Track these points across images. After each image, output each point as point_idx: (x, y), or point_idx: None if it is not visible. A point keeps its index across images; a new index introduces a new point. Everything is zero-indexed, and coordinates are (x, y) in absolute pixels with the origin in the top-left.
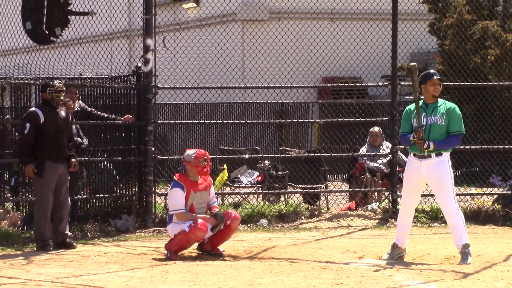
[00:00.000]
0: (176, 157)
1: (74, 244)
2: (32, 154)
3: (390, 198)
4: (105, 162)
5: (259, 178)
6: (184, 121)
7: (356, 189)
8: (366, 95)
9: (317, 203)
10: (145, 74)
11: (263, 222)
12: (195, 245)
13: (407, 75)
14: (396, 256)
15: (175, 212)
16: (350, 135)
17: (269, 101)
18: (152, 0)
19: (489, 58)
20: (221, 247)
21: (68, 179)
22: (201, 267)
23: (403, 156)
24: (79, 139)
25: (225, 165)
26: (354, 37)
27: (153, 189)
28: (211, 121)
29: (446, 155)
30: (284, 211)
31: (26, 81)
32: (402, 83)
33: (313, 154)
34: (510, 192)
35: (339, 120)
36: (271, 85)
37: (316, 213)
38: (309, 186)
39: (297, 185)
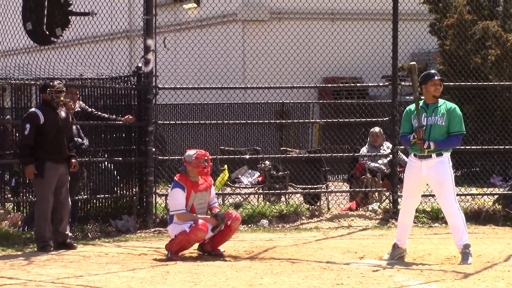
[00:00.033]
0: (176, 157)
1: (75, 244)
2: (33, 155)
3: (391, 198)
4: (106, 163)
5: (260, 179)
6: (184, 122)
7: (357, 189)
8: (367, 95)
9: (318, 204)
10: (146, 74)
11: (264, 222)
12: (196, 245)
13: (407, 75)
14: (397, 257)
15: (175, 212)
16: (351, 136)
17: (269, 101)
18: (152, 0)
19: (489, 58)
20: (221, 248)
21: (68, 180)
22: (202, 267)
23: (404, 157)
24: (79, 139)
25: (225, 166)
26: (355, 37)
27: (154, 189)
28: (212, 122)
29: (447, 155)
30: (284, 211)
31: (26, 82)
32: (403, 83)
33: (313, 155)
34: (510, 192)
35: (340, 120)
36: (272, 86)
37: (316, 213)
38: (309, 186)
39: (298, 186)
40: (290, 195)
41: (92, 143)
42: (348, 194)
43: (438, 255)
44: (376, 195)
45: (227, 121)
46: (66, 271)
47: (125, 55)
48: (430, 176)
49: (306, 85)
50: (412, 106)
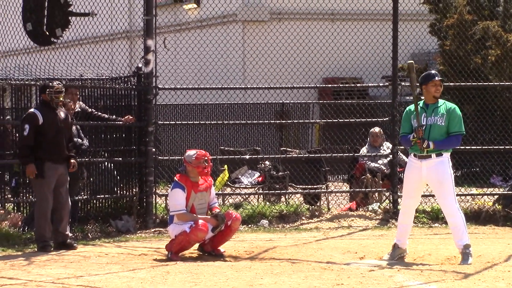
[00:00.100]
0: (176, 157)
1: (75, 244)
2: (32, 155)
3: (391, 198)
4: (106, 163)
5: (260, 179)
6: (184, 122)
7: (357, 189)
8: (367, 95)
9: (318, 204)
10: (146, 75)
11: (264, 222)
12: (196, 245)
13: (407, 75)
14: (397, 257)
15: (176, 212)
16: (351, 136)
17: (269, 101)
18: (152, 1)
19: (489, 59)
20: (222, 248)
21: (67, 180)
22: (202, 267)
23: (404, 157)
24: (79, 140)
25: (225, 166)
26: (355, 37)
27: (154, 189)
28: (212, 122)
29: (447, 155)
30: (284, 211)
31: (26, 82)
32: (403, 83)
33: (313, 155)
34: (510, 192)
35: (340, 120)
36: (272, 86)
37: (316, 213)
38: (309, 186)
39: (298, 186)
40: (290, 195)
41: (92, 143)
42: (348, 194)
43: (438, 255)
44: (376, 195)
45: (227, 122)
46: (66, 271)
47: (125, 55)
48: (430, 176)
49: (306, 86)
50: (412, 106)
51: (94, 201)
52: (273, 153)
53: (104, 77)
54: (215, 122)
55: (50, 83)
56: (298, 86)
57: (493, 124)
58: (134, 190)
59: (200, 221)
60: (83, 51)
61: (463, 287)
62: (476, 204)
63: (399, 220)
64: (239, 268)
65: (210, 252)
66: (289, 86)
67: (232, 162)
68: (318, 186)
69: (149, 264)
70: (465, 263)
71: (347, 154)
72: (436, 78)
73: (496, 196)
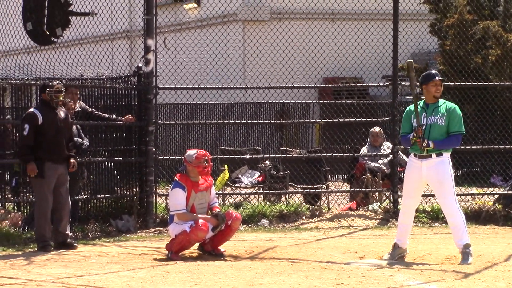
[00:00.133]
0: (176, 157)
1: (75, 244)
2: (32, 154)
3: (391, 198)
4: (106, 163)
5: (260, 179)
6: (185, 122)
7: (357, 189)
8: (367, 95)
9: (318, 203)
10: (146, 74)
11: (264, 222)
12: (196, 245)
13: (407, 74)
14: (397, 256)
15: (176, 212)
16: (351, 135)
17: (270, 101)
18: (153, 0)
19: (490, 58)
20: (222, 247)
21: (67, 180)
22: (202, 267)
23: (404, 156)
24: (79, 139)
25: (226, 166)
26: (355, 37)
27: (154, 189)
28: (212, 122)
29: (447, 155)
30: (285, 211)
31: (27, 82)
32: (403, 83)
33: (314, 154)
34: (511, 192)
35: (340, 120)
36: (272, 86)
37: (317, 213)
38: (310, 186)
39: (298, 185)
40: (290, 195)
41: (92, 143)
42: (348, 194)
43: (438, 255)
44: (376, 195)
45: (227, 121)
46: (66, 271)
47: (125, 55)
48: (430, 176)
49: (307, 85)
50: (413, 106)
51: (94, 200)
52: (273, 153)
53: (104, 76)
54: (215, 121)
55: (50, 83)
56: (298, 85)
57: (493, 124)
58: (135, 189)
59: (201, 221)
60: (83, 51)
61: (463, 287)
62: (476, 203)
63: (399, 220)
64: (239, 268)
65: (210, 251)
66: (289, 85)
67: (232, 161)
68: (318, 185)
69: (149, 263)
70: (465, 262)
71: (347, 154)
72: (437, 78)
73: (496, 196)
